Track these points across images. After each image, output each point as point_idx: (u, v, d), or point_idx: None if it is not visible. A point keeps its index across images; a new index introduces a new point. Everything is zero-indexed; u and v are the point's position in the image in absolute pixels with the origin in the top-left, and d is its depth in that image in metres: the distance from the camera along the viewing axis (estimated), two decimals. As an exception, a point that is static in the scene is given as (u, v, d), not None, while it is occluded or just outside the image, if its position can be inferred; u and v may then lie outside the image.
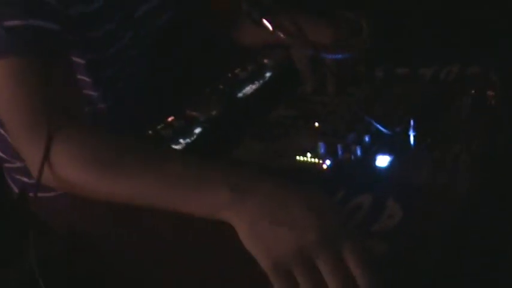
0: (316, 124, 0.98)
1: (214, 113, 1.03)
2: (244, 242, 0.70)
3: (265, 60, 1.20)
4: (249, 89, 1.13)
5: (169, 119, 1.01)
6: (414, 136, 0.89)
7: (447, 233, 0.75)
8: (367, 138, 0.90)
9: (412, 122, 0.89)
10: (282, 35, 0.90)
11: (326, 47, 1.02)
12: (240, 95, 1.11)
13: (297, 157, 0.90)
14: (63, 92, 0.91)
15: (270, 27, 0.91)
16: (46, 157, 0.83)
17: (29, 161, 0.88)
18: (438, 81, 1.06)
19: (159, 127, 0.99)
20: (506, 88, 0.95)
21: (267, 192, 0.71)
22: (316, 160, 0.89)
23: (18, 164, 1.21)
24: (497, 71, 0.98)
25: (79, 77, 1.09)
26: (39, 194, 0.95)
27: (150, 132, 0.98)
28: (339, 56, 1.00)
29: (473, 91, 0.96)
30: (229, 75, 1.16)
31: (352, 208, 0.78)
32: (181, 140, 0.97)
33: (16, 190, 1.25)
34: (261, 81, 1.15)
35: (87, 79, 1.11)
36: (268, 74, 1.17)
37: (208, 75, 1.17)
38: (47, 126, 0.84)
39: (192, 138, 0.97)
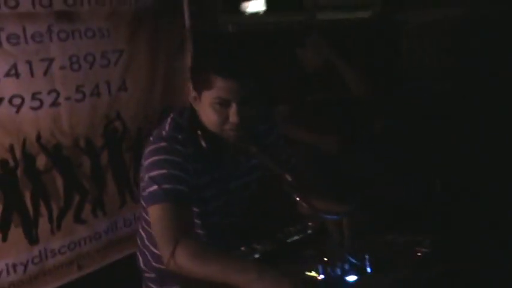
0: (325, 259, 1.67)
1: (268, 248, 1.76)
2: None
3: (310, 223, 1.92)
4: (295, 238, 1.85)
5: (242, 247, 1.75)
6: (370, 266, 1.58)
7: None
8: (346, 266, 1.59)
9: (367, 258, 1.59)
10: (304, 206, 1.65)
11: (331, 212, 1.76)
12: (288, 240, 1.83)
13: (307, 272, 1.60)
14: (185, 223, 1.70)
15: (304, 204, 1.66)
16: (172, 255, 1.59)
17: (165, 259, 1.64)
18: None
19: (236, 252, 1.74)
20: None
21: (269, 279, 1.47)
22: (316, 274, 1.58)
23: (153, 275, 1.98)
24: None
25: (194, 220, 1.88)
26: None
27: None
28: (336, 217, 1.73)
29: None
30: (288, 228, 1.90)
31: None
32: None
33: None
34: (304, 235, 1.87)
35: (198, 222, 1.89)
36: (309, 231, 1.89)
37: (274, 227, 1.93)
38: (175, 240, 1.61)
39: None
